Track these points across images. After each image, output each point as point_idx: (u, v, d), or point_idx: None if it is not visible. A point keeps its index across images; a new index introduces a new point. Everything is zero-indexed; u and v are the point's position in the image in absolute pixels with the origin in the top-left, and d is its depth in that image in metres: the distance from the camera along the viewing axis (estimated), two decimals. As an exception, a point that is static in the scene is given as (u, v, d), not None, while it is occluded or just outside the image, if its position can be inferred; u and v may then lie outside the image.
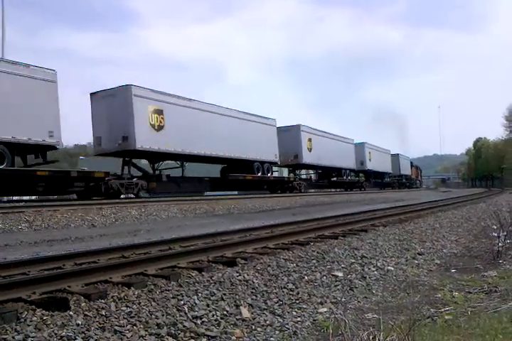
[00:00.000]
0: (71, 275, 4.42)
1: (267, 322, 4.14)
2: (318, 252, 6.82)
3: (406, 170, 59.31)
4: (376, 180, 48.70)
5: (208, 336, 3.63)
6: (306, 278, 5.56)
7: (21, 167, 16.63)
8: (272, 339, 3.83)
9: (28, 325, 3.28)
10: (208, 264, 5.62)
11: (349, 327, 3.07)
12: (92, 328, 3.38)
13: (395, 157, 54.28)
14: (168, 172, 22.49)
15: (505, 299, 4.90)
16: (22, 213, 12.17)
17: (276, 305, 4.56)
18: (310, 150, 32.27)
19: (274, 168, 30.92)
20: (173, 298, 4.22)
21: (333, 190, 39.03)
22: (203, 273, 5.14)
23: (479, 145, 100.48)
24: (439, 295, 5.20)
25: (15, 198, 20.87)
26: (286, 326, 4.07)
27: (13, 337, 3.07)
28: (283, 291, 4.94)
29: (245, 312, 4.21)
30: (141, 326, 3.57)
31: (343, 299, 5.05)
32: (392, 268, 6.65)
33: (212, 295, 4.44)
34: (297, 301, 4.80)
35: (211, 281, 4.84)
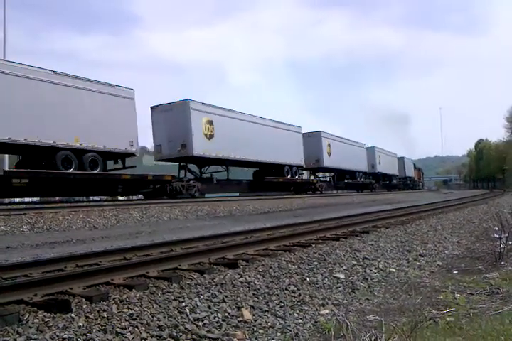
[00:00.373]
0: (73, 278, 4.42)
1: (269, 324, 4.14)
2: (319, 254, 6.81)
3: (410, 172, 61.20)
4: (384, 182, 51.05)
5: (210, 338, 3.63)
6: (307, 279, 5.56)
7: (104, 171, 19.21)
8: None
9: (30, 327, 3.28)
10: (210, 266, 5.63)
11: (351, 329, 3.06)
12: (94, 330, 3.38)
13: (401, 160, 56.68)
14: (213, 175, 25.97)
15: (508, 301, 4.88)
16: (24, 215, 12.19)
17: (277, 306, 4.55)
18: (329, 154, 35.07)
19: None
20: (174, 300, 4.22)
21: (345, 191, 41.26)
22: (205, 275, 5.14)
23: (481, 146, 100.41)
24: (441, 297, 5.18)
25: (16, 200, 20.95)
26: (288, 328, 4.07)
27: (14, 339, 3.07)
28: (284, 293, 4.93)
29: (247, 314, 4.21)
30: (143, 328, 3.57)
31: (345, 301, 5.05)
32: (394, 270, 6.64)
33: (213, 297, 4.43)
34: (299, 303, 4.79)
35: (213, 283, 4.83)
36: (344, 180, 40.44)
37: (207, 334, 3.67)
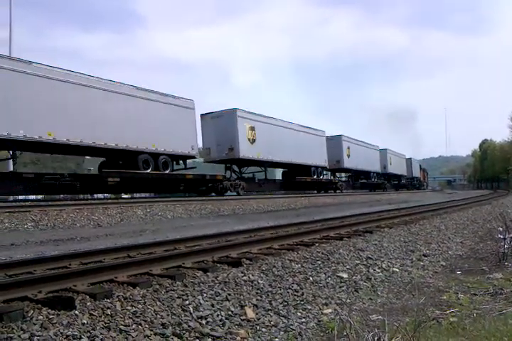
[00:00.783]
0: (77, 275, 4.43)
1: (272, 322, 4.15)
2: (323, 253, 6.81)
3: (416, 172, 63.23)
4: (394, 182, 53.60)
5: (213, 336, 3.64)
6: (311, 279, 5.56)
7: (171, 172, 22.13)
8: (276, 339, 3.84)
9: (34, 324, 3.29)
10: (213, 264, 5.63)
11: (354, 328, 3.06)
12: (98, 327, 3.39)
13: (408, 160, 59.04)
14: (250, 175, 29.32)
15: (511, 301, 4.88)
16: (28, 212, 12.23)
17: (281, 305, 4.56)
18: (348, 156, 38.27)
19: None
20: (178, 297, 4.22)
21: (358, 190, 42.85)
22: (208, 273, 5.14)
23: (485, 146, 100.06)
24: (445, 297, 5.18)
25: (20, 197, 21.04)
26: (291, 327, 4.08)
27: (19, 336, 3.08)
28: (288, 292, 4.94)
29: (250, 313, 4.21)
30: (147, 326, 3.58)
31: (348, 300, 5.05)
32: (398, 270, 6.64)
33: (217, 296, 4.44)
34: (302, 302, 4.80)
35: (216, 281, 4.84)
36: (359, 180, 43.36)
37: (210, 332, 3.68)
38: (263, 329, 3.98)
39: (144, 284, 4.45)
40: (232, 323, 3.95)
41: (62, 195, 21.74)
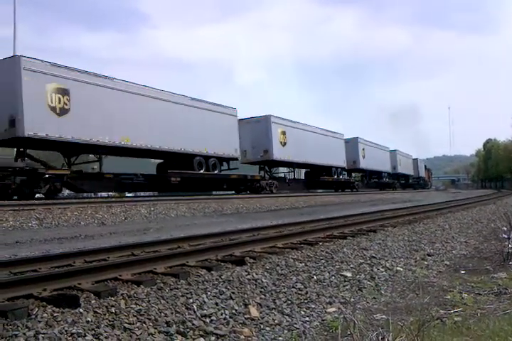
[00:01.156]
0: (81, 273, 4.44)
1: (276, 321, 4.15)
2: (327, 252, 6.81)
3: (422, 172, 65.49)
4: (402, 181, 56.10)
5: (217, 334, 3.64)
6: (314, 277, 5.56)
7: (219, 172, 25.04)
8: (280, 338, 3.84)
9: (39, 322, 3.30)
10: (217, 263, 5.63)
11: (358, 327, 3.06)
12: (102, 325, 3.40)
13: (415, 161, 61.66)
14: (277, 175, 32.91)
15: (516, 301, 4.86)
16: (33, 211, 12.27)
17: (284, 304, 4.57)
18: (363, 157, 41.25)
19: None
20: (182, 296, 4.23)
21: (371, 190, 45.00)
22: (212, 271, 5.15)
23: (489, 146, 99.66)
24: (449, 297, 5.17)
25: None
26: (295, 325, 4.08)
27: (24, 334, 3.09)
28: (291, 291, 4.94)
29: (254, 312, 4.22)
30: (151, 324, 3.59)
31: (352, 299, 5.05)
32: (401, 269, 6.63)
33: (221, 294, 4.45)
34: (306, 301, 4.80)
35: (220, 280, 4.85)
36: (371, 179, 46.15)
37: (214, 330, 3.69)
38: (267, 328, 3.98)
39: (148, 282, 4.46)
40: (236, 322, 3.96)
41: (66, 193, 21.94)
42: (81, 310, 3.57)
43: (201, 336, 3.58)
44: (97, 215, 12.79)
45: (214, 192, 28.99)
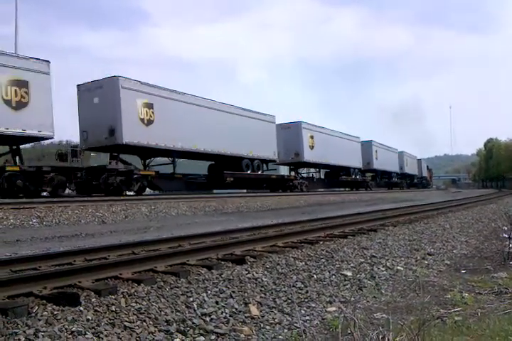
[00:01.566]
0: (81, 271, 4.44)
1: (276, 320, 4.15)
2: (327, 251, 6.80)
3: (425, 172, 68.70)
4: (408, 181, 59.37)
5: (217, 333, 3.64)
6: (315, 276, 5.56)
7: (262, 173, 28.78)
8: (280, 337, 3.84)
9: (39, 320, 3.30)
10: (217, 262, 5.64)
11: (358, 326, 3.06)
12: (102, 324, 3.40)
13: (419, 161, 65.30)
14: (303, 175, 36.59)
15: (516, 301, 4.86)
16: (33, 209, 12.28)
17: (285, 303, 4.56)
18: (377, 158, 45.09)
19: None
20: (182, 294, 4.23)
21: (381, 189, 48.44)
22: (213, 270, 5.15)
23: (490, 145, 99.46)
24: (449, 296, 5.17)
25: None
26: (295, 324, 4.08)
27: (24, 332, 3.09)
28: (292, 290, 4.94)
29: (254, 310, 4.22)
30: (151, 322, 3.59)
31: (352, 298, 5.05)
32: (402, 268, 6.63)
33: (221, 293, 4.45)
34: (306, 300, 4.80)
35: (220, 279, 4.85)
36: (382, 179, 49.84)
37: (214, 329, 3.69)
38: (267, 327, 3.98)
39: (148, 281, 4.46)
40: (236, 320, 3.96)
41: (67, 192, 22.09)
42: (81, 309, 3.57)
43: (201, 335, 3.58)
44: (97, 214, 12.79)
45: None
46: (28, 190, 16.22)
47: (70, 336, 3.14)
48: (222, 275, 4.95)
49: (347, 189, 42.05)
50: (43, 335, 3.06)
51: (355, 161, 40.71)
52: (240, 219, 13.36)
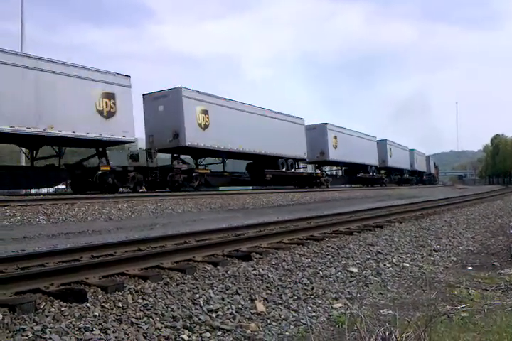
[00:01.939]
0: (88, 268, 4.46)
1: (282, 316, 4.15)
2: (333, 248, 6.80)
3: (432, 169, 71.12)
4: (417, 177, 61.57)
5: (223, 329, 3.65)
6: (320, 273, 5.56)
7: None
8: (287, 333, 3.84)
9: (46, 316, 3.32)
10: (223, 258, 5.64)
11: (365, 322, 3.06)
12: (109, 320, 3.41)
13: (427, 158, 67.41)
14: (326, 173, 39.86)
15: (523, 297, 4.84)
16: (40, 206, 12.33)
17: (291, 299, 4.57)
18: (390, 156, 47.96)
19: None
20: (188, 291, 4.24)
21: (393, 185, 50.84)
22: (218, 267, 5.16)
23: (497, 142, 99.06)
24: (456, 292, 5.16)
25: (33, 191, 21.45)
26: (302, 321, 4.08)
27: (31, 328, 3.10)
28: (298, 286, 4.94)
29: (260, 307, 4.22)
30: (157, 318, 3.60)
31: (359, 295, 5.04)
32: (408, 265, 6.61)
33: (227, 289, 4.45)
34: (312, 296, 4.80)
35: (226, 275, 4.86)
36: (394, 176, 52.18)
37: (220, 325, 3.70)
38: (273, 323, 3.99)
39: (154, 277, 4.47)
40: (242, 317, 3.96)
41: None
42: (88, 305, 3.59)
43: (207, 331, 3.59)
44: (103, 210, 12.83)
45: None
46: (115, 186, 19.18)
47: (78, 332, 3.15)
48: (228, 272, 4.96)
49: (360, 185, 44.89)
50: (50, 331, 3.08)
51: (372, 159, 43.30)
52: (246, 215, 13.37)
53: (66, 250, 5.80)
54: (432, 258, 7.26)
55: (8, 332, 3.03)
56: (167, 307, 3.81)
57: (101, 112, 18.20)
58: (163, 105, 21.86)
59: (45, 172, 18.26)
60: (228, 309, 4.05)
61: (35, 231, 9.13)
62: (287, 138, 29.43)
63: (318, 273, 5.56)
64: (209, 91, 23.98)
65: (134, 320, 3.50)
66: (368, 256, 6.68)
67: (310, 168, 38.94)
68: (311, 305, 4.57)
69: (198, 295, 4.16)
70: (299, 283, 5.07)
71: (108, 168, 18.96)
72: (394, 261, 6.70)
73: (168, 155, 23.84)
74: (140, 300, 3.85)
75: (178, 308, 3.85)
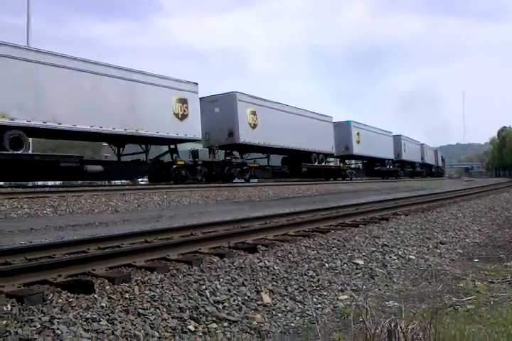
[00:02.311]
0: (95, 259, 4.49)
1: (288, 308, 4.17)
2: (338, 240, 6.81)
3: (440, 162, 73.19)
4: (427, 170, 64.17)
5: (230, 320, 3.67)
6: (326, 265, 5.57)
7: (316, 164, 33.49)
8: (292, 324, 3.86)
9: (54, 307, 3.35)
10: (229, 250, 5.66)
11: (370, 314, 3.07)
12: (116, 311, 3.44)
13: (436, 152, 69.60)
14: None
15: (529, 289, 4.84)
16: (47, 198, 12.39)
17: (296, 291, 4.58)
18: (405, 150, 50.30)
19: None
20: (195, 282, 4.27)
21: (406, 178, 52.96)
22: (225, 258, 5.18)
23: (503, 134, 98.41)
24: (462, 285, 5.16)
25: (39, 183, 21.63)
26: (307, 312, 4.10)
27: (39, 318, 3.13)
28: (303, 278, 4.96)
29: (266, 298, 4.24)
30: (164, 309, 3.63)
31: (364, 287, 5.05)
32: (414, 257, 6.62)
33: (233, 281, 4.48)
34: (318, 288, 4.82)
35: (232, 267, 4.88)
36: (407, 168, 54.56)
37: (227, 316, 3.72)
38: (279, 315, 4.01)
39: (161, 269, 4.50)
40: (248, 308, 3.99)
41: (79, 181, 22.89)
42: (95, 296, 3.62)
43: (214, 322, 3.61)
44: (110, 203, 12.88)
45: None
46: (185, 178, 21.81)
47: (85, 323, 3.18)
48: (235, 264, 4.98)
49: (379, 178, 46.77)
50: (58, 322, 3.11)
51: (389, 153, 46.33)
52: (252, 208, 13.39)
53: (73, 242, 5.83)
54: (438, 251, 7.26)
55: (16, 322, 3.06)
56: (174, 299, 3.84)
57: (177, 115, 21.47)
58: (219, 107, 24.92)
59: (135, 166, 21.50)
60: (234, 300, 4.07)
61: (42, 223, 9.18)
62: (318, 134, 32.30)
63: (324, 265, 5.57)
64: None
65: (140, 310, 3.53)
66: (374, 249, 6.69)
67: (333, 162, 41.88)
68: (317, 296, 4.58)
69: (204, 287, 4.18)
70: (305, 275, 5.09)
71: (183, 162, 22.06)
72: (400, 253, 6.70)
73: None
74: (147, 292, 3.88)
75: (185, 299, 3.87)
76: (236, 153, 27.36)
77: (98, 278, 4.09)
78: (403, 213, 10.42)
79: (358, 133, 39.19)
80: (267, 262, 5.21)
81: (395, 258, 6.43)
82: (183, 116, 21.69)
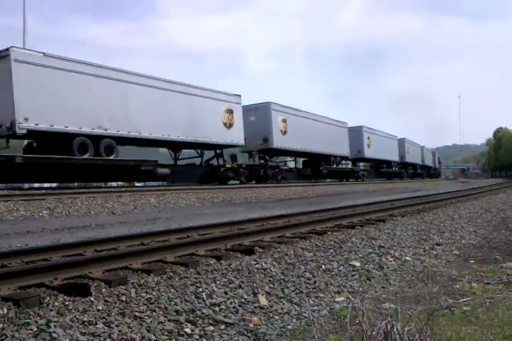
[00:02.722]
0: (92, 262, 4.49)
1: (285, 310, 4.18)
2: (335, 241, 6.81)
3: (437, 163, 74.86)
4: (426, 172, 66.45)
5: (226, 323, 3.67)
6: (323, 267, 5.58)
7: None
8: (289, 327, 3.87)
9: (51, 310, 3.34)
10: (226, 252, 5.67)
11: (367, 316, 3.07)
12: (113, 314, 3.44)
13: (433, 153, 71.63)
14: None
15: (525, 291, 4.85)
16: (43, 200, 12.36)
17: (293, 293, 4.59)
18: (408, 153, 53.17)
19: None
20: (191, 285, 4.27)
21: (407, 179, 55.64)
22: (221, 261, 5.18)
23: (499, 135, 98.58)
24: (458, 286, 5.17)
25: (36, 185, 21.65)
26: (304, 314, 4.10)
27: (35, 322, 3.13)
28: (300, 280, 4.96)
29: (263, 300, 4.24)
30: (161, 312, 3.63)
31: (361, 289, 5.06)
32: (410, 259, 6.63)
33: (230, 283, 4.48)
34: (314, 290, 4.82)
35: (229, 269, 4.88)
36: (409, 170, 57.08)
37: (223, 319, 3.72)
38: (276, 317, 4.01)
39: (158, 271, 4.50)
40: (245, 310, 3.99)
41: (76, 183, 22.85)
42: (92, 299, 3.62)
43: (210, 324, 3.61)
44: (106, 205, 12.86)
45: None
46: (230, 179, 24.77)
47: (82, 326, 3.18)
48: (231, 266, 4.98)
49: (385, 179, 49.01)
50: (54, 325, 3.10)
51: (395, 156, 49.36)
52: (248, 209, 13.38)
53: (69, 244, 5.83)
54: (434, 252, 7.28)
55: (13, 326, 3.06)
56: (170, 301, 3.84)
57: (225, 124, 24.46)
58: (255, 116, 27.80)
59: (192, 169, 24.29)
60: (231, 303, 4.07)
61: (38, 225, 9.16)
62: (336, 139, 35.47)
63: (321, 266, 5.58)
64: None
65: (137, 313, 3.52)
66: (370, 250, 6.70)
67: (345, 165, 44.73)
68: (313, 298, 4.59)
69: (200, 289, 4.18)
70: (302, 276, 5.09)
71: (230, 166, 25.03)
72: (396, 254, 6.72)
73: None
74: (143, 294, 3.87)
75: (181, 302, 3.87)
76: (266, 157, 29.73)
77: (94, 281, 4.09)
78: (400, 214, 10.44)
79: (369, 138, 42.02)
80: (263, 264, 5.21)
81: (391, 259, 6.44)
82: (229, 125, 24.79)
